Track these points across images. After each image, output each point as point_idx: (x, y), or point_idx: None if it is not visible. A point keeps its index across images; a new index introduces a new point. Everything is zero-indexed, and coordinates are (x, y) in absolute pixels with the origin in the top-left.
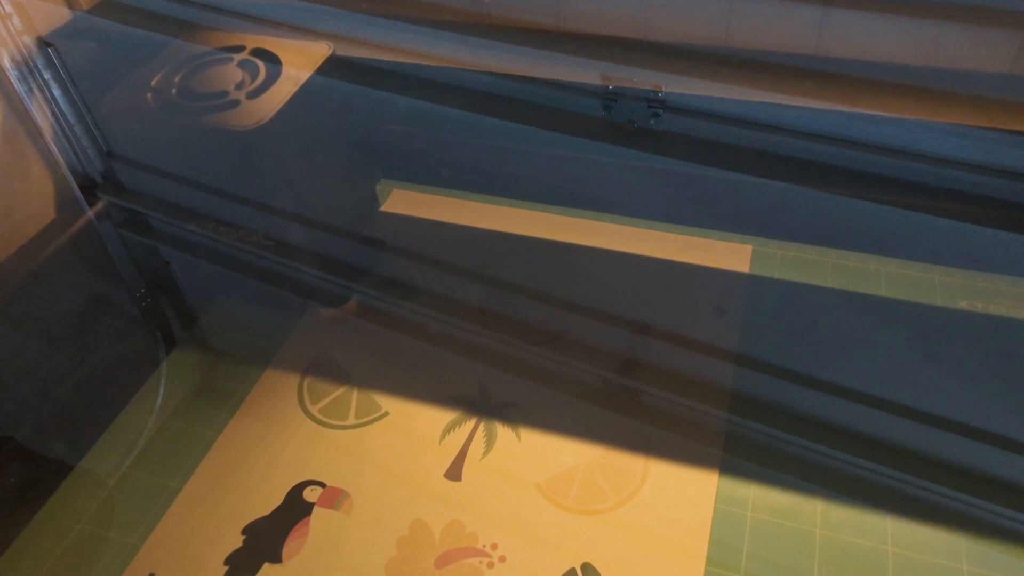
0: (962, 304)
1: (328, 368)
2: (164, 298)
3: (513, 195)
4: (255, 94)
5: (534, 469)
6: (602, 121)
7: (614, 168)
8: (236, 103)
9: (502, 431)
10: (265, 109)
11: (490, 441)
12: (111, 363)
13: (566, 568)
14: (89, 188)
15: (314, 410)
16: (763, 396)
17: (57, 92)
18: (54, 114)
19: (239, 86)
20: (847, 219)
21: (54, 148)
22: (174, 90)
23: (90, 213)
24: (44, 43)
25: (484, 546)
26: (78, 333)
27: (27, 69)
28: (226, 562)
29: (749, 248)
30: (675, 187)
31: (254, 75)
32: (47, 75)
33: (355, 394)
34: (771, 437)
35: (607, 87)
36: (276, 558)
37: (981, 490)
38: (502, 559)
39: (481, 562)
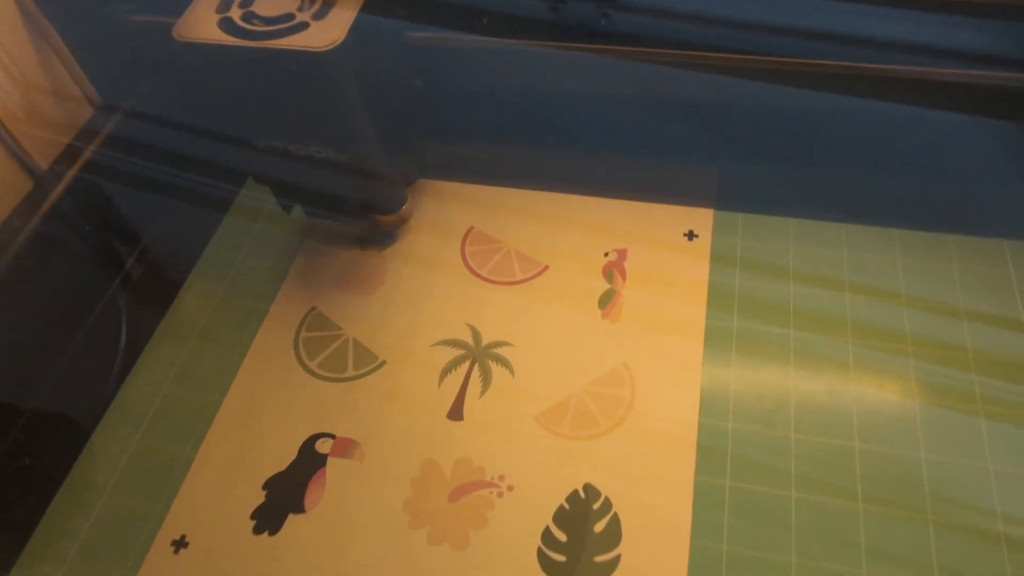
0: None
1: (320, 323)
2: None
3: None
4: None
5: (530, 403)
6: (549, 24)
7: (564, 72)
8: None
9: (496, 369)
10: None
11: (486, 380)
12: (95, 347)
13: (570, 490)
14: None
15: (313, 365)
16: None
17: None
18: None
19: None
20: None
21: None
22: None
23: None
24: None
25: (492, 478)
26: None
27: None
28: (252, 516)
29: (714, 171)
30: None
31: None
32: None
33: (351, 346)
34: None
35: None
36: (299, 509)
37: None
38: (510, 488)
39: (491, 492)
